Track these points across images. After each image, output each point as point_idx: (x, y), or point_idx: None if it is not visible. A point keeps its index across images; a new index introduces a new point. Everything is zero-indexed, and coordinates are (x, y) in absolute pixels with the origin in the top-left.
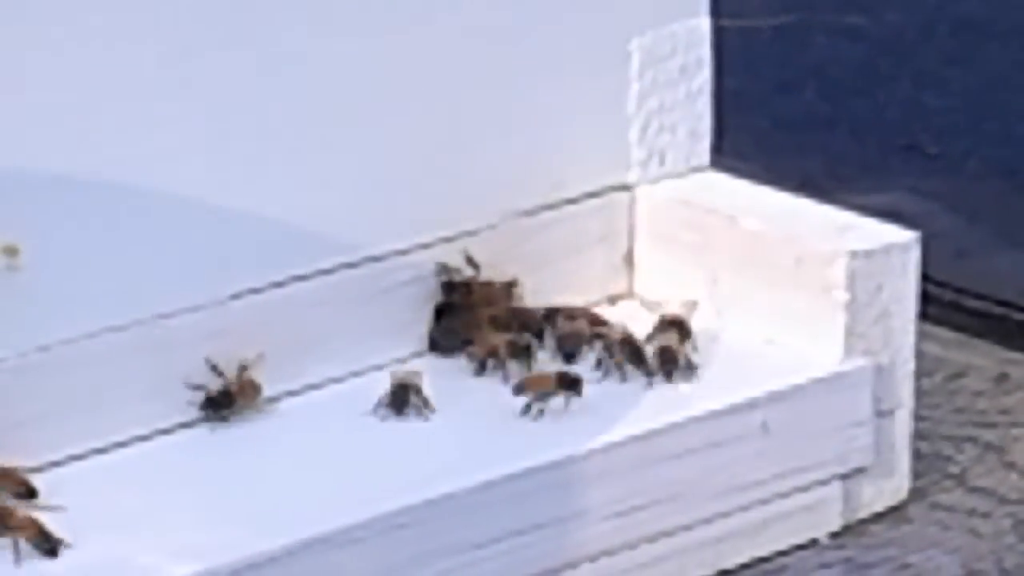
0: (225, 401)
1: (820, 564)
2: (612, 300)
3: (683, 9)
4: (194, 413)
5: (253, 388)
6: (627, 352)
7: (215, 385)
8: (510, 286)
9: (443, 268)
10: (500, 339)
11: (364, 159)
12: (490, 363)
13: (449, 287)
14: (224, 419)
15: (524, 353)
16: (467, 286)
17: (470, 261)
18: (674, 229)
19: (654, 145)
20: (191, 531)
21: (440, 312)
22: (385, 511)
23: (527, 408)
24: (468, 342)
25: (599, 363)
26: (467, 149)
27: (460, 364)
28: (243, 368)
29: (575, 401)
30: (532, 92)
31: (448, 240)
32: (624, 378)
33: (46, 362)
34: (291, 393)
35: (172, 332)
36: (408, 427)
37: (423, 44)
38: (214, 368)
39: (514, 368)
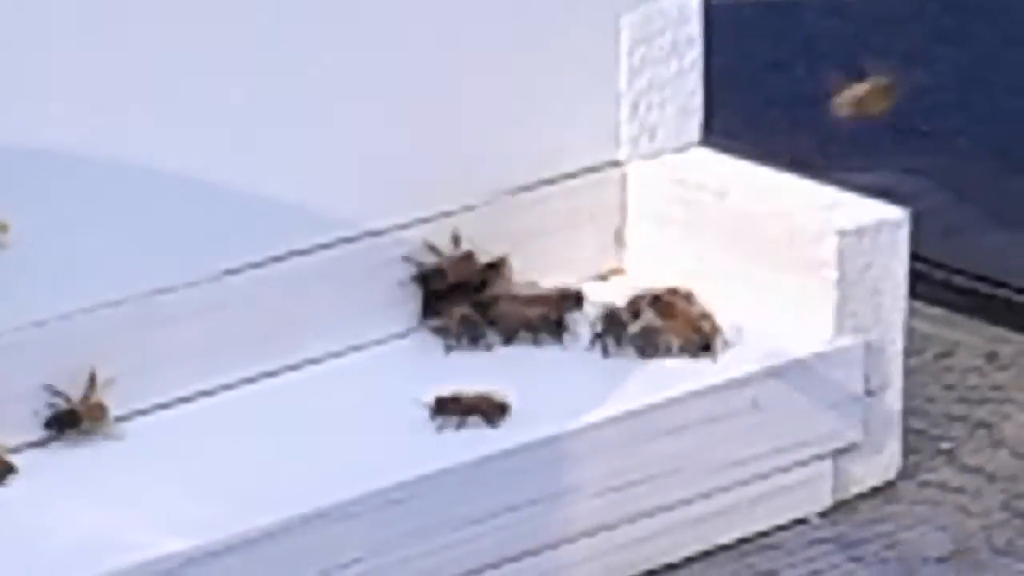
0: (70, 420)
1: (810, 541)
2: (603, 277)
3: None
4: (191, 387)
5: (100, 409)
6: (607, 325)
7: (62, 404)
8: (488, 268)
9: (424, 252)
10: (533, 312)
11: (359, 134)
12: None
13: (423, 278)
14: (69, 439)
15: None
16: (440, 272)
17: (456, 241)
18: (664, 206)
19: (644, 122)
20: (186, 507)
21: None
22: (381, 487)
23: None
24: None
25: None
26: (457, 126)
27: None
28: (91, 386)
29: (568, 374)
30: (522, 69)
31: (436, 217)
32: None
33: (40, 338)
34: (290, 367)
35: (168, 307)
36: (400, 402)
37: (415, 21)
38: (56, 393)
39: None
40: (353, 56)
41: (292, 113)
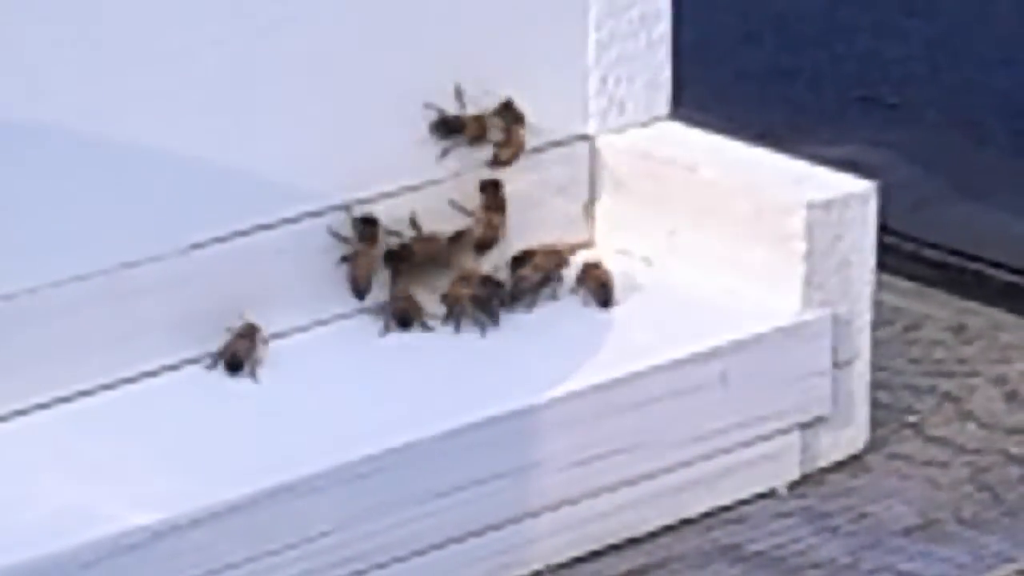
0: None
1: (779, 513)
2: (572, 250)
3: None
4: (157, 361)
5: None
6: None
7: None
8: (455, 238)
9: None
10: (464, 292)
11: (327, 108)
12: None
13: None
14: None
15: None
16: (406, 247)
17: (413, 223)
18: (633, 179)
19: (613, 95)
20: (154, 480)
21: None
22: (347, 460)
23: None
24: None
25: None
26: (428, 100)
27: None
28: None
29: (536, 348)
30: (491, 42)
31: (413, 189)
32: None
33: (10, 311)
34: None
35: (136, 281)
36: (369, 376)
37: None
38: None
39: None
40: (320, 32)
41: (258, 88)
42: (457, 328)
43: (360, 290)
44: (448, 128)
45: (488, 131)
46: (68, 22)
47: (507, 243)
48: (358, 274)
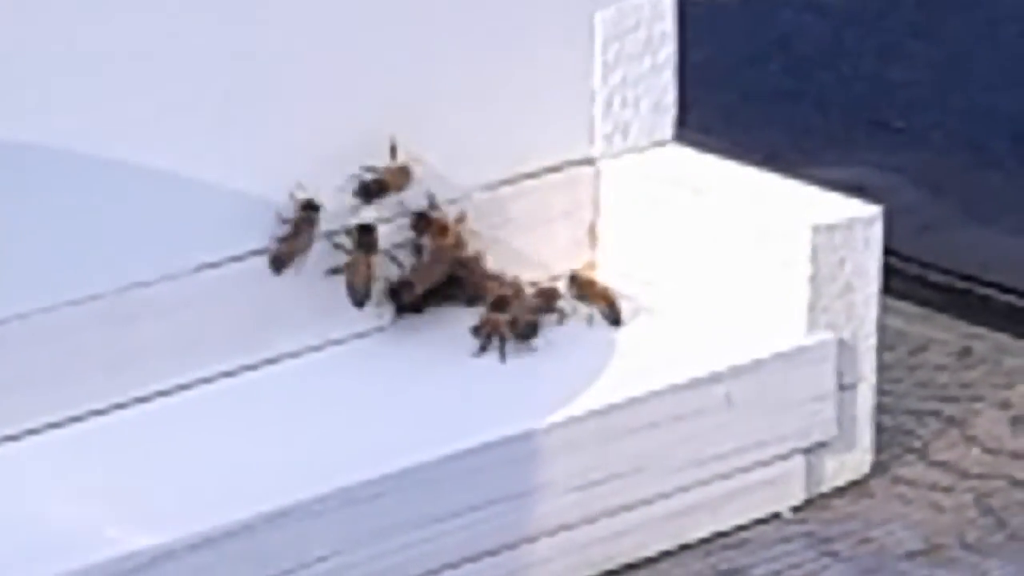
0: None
1: (782, 538)
2: (576, 273)
3: None
4: (151, 387)
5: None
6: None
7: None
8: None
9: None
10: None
11: (327, 132)
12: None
13: (393, 292)
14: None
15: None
16: (408, 283)
17: (417, 249)
18: (638, 203)
19: (618, 119)
20: (157, 502)
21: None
22: (346, 484)
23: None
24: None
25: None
26: (430, 123)
27: (419, 334)
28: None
29: (536, 372)
30: (496, 66)
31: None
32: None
33: (6, 335)
34: (249, 367)
35: (147, 301)
36: (367, 400)
37: (387, 17)
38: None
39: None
40: (328, 54)
41: (268, 109)
42: (503, 358)
43: (358, 297)
44: (369, 193)
45: (411, 177)
46: (77, 44)
47: (511, 266)
48: (355, 280)
